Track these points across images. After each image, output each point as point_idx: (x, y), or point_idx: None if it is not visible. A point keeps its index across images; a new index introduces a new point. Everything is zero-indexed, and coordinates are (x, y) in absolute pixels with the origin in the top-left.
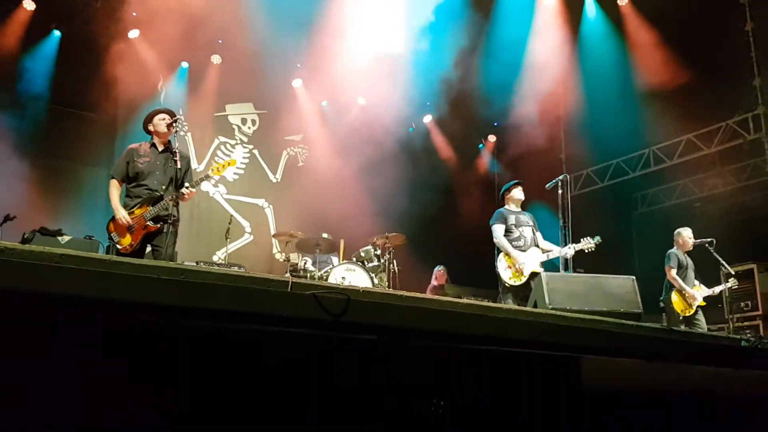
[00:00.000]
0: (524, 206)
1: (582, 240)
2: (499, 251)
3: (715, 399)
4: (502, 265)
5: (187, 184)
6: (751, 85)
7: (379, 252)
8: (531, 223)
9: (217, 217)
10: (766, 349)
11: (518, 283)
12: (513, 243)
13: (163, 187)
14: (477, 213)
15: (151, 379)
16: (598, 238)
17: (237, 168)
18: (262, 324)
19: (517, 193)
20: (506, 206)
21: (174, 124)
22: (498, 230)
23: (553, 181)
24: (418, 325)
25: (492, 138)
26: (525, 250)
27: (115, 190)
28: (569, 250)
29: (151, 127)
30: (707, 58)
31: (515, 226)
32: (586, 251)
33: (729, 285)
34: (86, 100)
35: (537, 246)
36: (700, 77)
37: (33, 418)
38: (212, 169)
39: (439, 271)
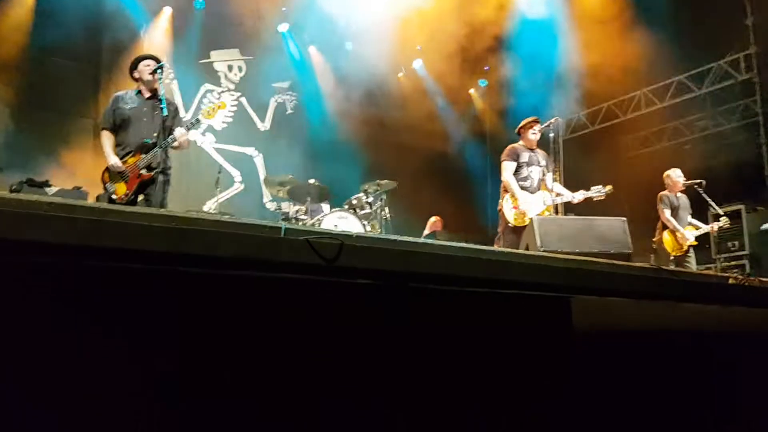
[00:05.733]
0: None
1: (593, 188)
2: (506, 191)
3: (704, 335)
4: (507, 204)
5: (179, 129)
6: (744, 24)
7: (371, 199)
8: (543, 163)
9: (206, 167)
10: (753, 286)
11: (522, 224)
12: (520, 183)
13: (155, 134)
14: (467, 159)
15: (144, 326)
16: (609, 187)
17: (225, 116)
18: (255, 270)
19: (531, 134)
20: (520, 142)
21: (158, 71)
22: (508, 167)
23: (545, 124)
24: (412, 269)
25: (483, 82)
26: (532, 192)
27: (106, 139)
28: (579, 196)
29: (136, 74)
30: None
31: (526, 165)
32: (595, 199)
33: (720, 224)
34: (68, 48)
35: (547, 188)
36: (691, 17)
37: (21, 368)
38: (203, 113)
39: (433, 220)
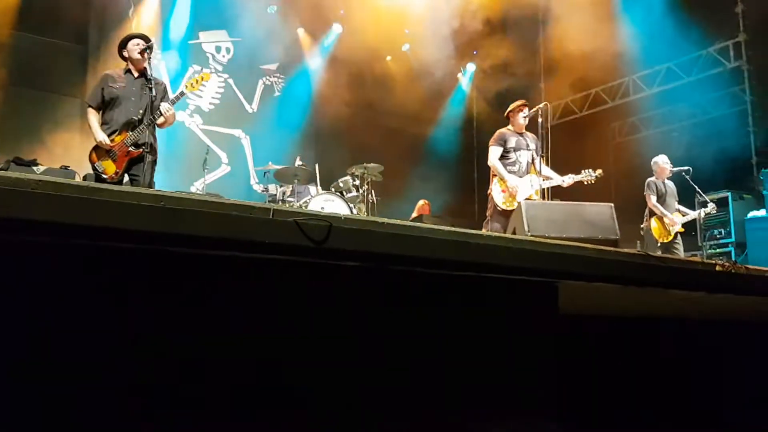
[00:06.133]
0: None
1: (582, 171)
2: (495, 174)
3: (690, 321)
4: (496, 188)
5: (164, 104)
6: (733, 12)
7: (357, 182)
8: (532, 147)
9: (193, 148)
10: (739, 273)
11: (510, 208)
12: (507, 167)
13: (141, 111)
14: (455, 144)
15: (130, 305)
16: (599, 171)
17: (212, 98)
18: (243, 251)
19: (520, 118)
20: (509, 126)
21: (147, 51)
22: (494, 152)
23: (532, 109)
24: (400, 252)
25: (471, 67)
26: (520, 176)
27: (93, 116)
28: (569, 180)
29: (125, 53)
30: None
31: (513, 150)
32: (585, 183)
33: (708, 210)
34: (56, 28)
35: (536, 172)
36: (681, 4)
37: (6, 345)
38: (187, 85)
39: (421, 203)
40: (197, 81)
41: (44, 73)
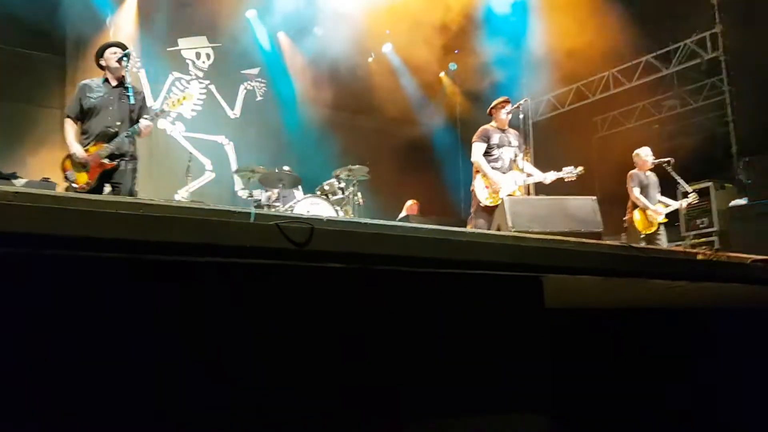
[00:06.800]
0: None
1: (564, 168)
2: (478, 171)
3: (672, 311)
4: (479, 184)
5: (143, 120)
6: (709, 3)
7: (343, 185)
8: (515, 143)
9: (176, 156)
10: (720, 262)
11: (494, 204)
12: (491, 164)
13: (118, 123)
14: (439, 144)
15: (110, 315)
16: (581, 168)
17: (194, 104)
18: (224, 256)
19: (503, 114)
20: (492, 123)
21: (125, 59)
22: (477, 149)
23: (514, 105)
24: (383, 251)
25: (453, 66)
26: (504, 173)
27: (69, 128)
28: (551, 176)
29: (103, 62)
30: None
31: (497, 147)
32: (566, 180)
33: (690, 200)
34: (33, 38)
35: (518, 169)
36: None
37: None
38: (168, 104)
39: (410, 203)
40: (179, 101)
41: (22, 85)
